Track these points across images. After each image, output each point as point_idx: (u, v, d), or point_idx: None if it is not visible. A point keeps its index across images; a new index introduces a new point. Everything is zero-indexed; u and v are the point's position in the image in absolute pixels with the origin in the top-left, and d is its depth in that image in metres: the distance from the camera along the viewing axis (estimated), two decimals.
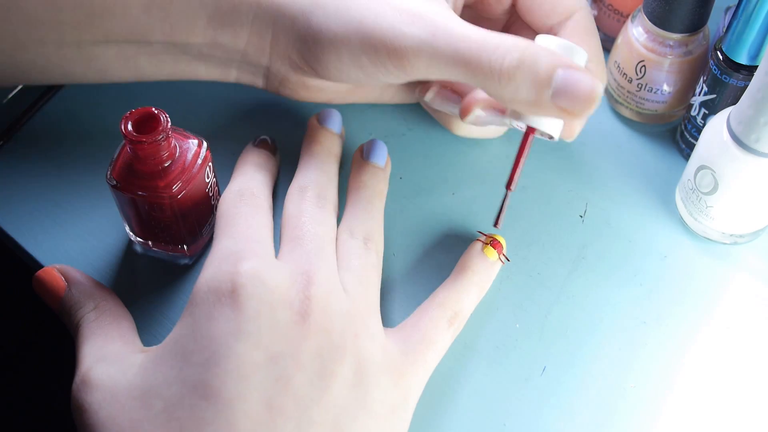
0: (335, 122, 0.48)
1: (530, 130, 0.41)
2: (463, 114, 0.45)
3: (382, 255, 0.44)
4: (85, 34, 0.44)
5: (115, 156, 0.42)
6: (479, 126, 0.45)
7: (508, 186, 0.42)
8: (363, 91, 0.50)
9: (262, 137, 0.48)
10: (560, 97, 0.38)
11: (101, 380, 0.37)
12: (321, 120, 0.48)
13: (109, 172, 0.42)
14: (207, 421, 0.34)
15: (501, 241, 0.45)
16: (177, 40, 0.44)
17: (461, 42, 0.39)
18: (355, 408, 0.37)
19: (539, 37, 0.41)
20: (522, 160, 0.42)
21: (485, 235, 0.45)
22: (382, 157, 0.47)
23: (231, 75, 0.47)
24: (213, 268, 0.38)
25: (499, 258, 0.45)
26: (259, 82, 0.48)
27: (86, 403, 0.36)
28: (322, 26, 0.42)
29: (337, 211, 0.45)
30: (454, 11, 0.44)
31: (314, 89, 0.48)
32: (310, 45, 0.43)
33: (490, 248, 0.45)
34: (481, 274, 0.44)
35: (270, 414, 0.35)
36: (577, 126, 0.44)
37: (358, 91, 0.49)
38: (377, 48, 0.41)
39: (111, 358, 0.38)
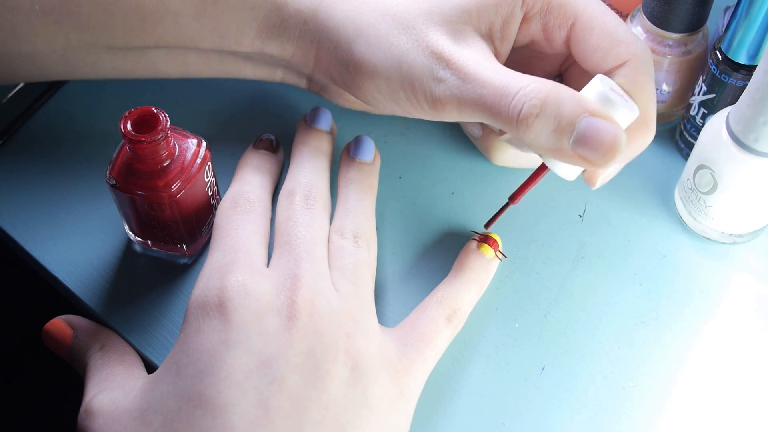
0: (323, 121, 0.49)
1: (544, 166, 0.42)
2: (501, 132, 0.45)
3: (375, 249, 0.44)
4: (135, 40, 0.44)
5: (115, 155, 0.42)
6: (516, 147, 0.45)
7: (511, 199, 0.43)
8: None
9: (264, 136, 0.49)
10: (580, 146, 0.37)
11: (103, 406, 0.38)
12: (309, 120, 0.49)
13: (108, 172, 0.42)
14: (204, 429, 0.34)
15: (496, 239, 0.46)
16: (226, 48, 0.45)
17: (483, 88, 0.39)
18: (355, 405, 0.37)
19: (598, 77, 0.40)
20: (532, 185, 0.43)
21: (479, 234, 0.46)
22: (368, 153, 0.48)
23: (277, 75, 0.48)
24: (202, 284, 0.39)
25: (496, 255, 0.45)
26: (302, 84, 0.49)
27: (90, 429, 0.37)
28: (364, 57, 0.42)
29: (328, 208, 0.45)
30: (499, 54, 0.43)
31: (353, 101, 0.49)
32: (351, 72, 0.43)
33: (486, 246, 0.45)
34: (478, 272, 0.44)
35: (266, 414, 0.35)
36: (600, 175, 0.43)
37: None
38: (414, 88, 0.41)
39: (114, 386, 0.39)
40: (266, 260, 0.41)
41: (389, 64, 0.41)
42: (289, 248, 0.41)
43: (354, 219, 0.44)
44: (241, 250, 0.40)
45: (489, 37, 0.42)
